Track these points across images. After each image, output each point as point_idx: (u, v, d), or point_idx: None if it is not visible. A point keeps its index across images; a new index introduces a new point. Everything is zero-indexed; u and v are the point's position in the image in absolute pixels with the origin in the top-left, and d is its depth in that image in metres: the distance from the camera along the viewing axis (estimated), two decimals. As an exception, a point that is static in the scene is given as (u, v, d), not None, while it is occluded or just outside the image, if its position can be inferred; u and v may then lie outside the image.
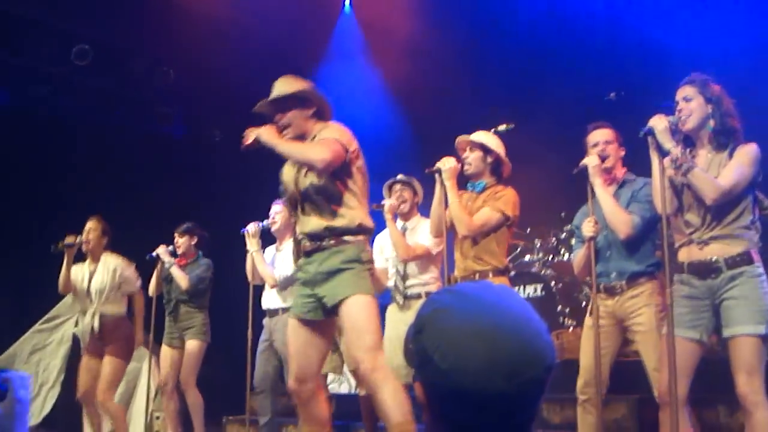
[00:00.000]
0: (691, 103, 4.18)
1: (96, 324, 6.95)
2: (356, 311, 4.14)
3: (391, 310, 6.12)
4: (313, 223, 4.28)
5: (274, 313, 6.75)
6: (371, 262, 4.32)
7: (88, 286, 7.05)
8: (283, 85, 4.44)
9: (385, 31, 9.17)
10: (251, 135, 4.37)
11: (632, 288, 4.63)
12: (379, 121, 8.94)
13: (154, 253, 7.31)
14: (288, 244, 6.79)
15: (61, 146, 9.03)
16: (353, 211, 4.26)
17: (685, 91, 4.21)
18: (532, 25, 8.77)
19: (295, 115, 4.38)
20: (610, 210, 4.64)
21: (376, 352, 4.10)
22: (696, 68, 4.34)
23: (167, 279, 7.31)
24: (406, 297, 6.01)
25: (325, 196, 4.26)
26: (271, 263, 6.80)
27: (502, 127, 5.48)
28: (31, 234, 8.56)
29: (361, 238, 4.29)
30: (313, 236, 4.28)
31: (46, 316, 8.81)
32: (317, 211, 4.28)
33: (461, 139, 5.35)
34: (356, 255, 4.22)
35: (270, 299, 6.81)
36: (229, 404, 7.72)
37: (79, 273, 7.14)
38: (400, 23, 9.12)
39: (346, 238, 4.23)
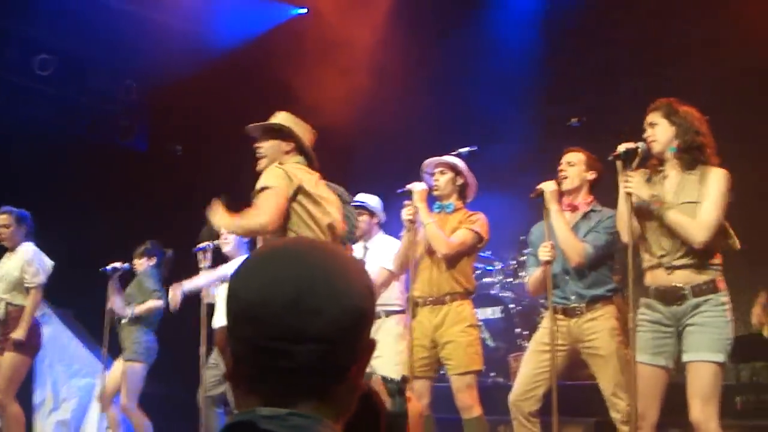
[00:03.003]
0: (656, 128, 4.23)
1: (1, 311, 6.72)
2: None
3: None
4: None
5: None
6: None
7: None
8: (275, 118, 4.62)
9: (345, 42, 9.22)
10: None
11: (591, 311, 4.70)
12: (343, 136, 8.93)
13: (108, 267, 7.25)
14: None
15: (19, 156, 8.91)
16: None
17: (650, 118, 4.26)
18: (491, 48, 8.87)
19: (273, 146, 4.55)
20: (563, 237, 4.70)
21: None
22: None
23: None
24: None
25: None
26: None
27: (464, 150, 5.51)
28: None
29: None
30: None
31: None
32: None
33: (431, 160, 5.38)
34: None
35: (218, 318, 6.79)
36: (185, 422, 7.63)
37: None
38: (359, 36, 9.19)
39: None
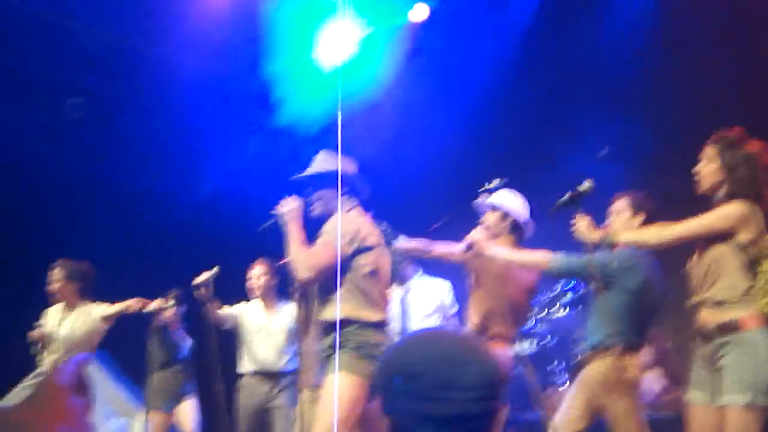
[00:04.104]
0: (706, 167, 4.04)
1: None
2: (328, 389, 4.16)
3: None
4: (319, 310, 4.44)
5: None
6: (359, 348, 4.24)
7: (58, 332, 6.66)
8: (320, 162, 4.58)
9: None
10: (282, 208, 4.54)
11: (593, 360, 4.56)
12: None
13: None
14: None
15: (51, 201, 8.94)
16: (343, 304, 4.25)
17: (706, 151, 4.07)
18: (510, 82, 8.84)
19: (325, 192, 4.52)
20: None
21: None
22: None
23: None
24: None
25: (319, 288, 4.42)
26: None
27: (494, 183, 5.41)
28: (15, 288, 8.39)
29: (350, 328, 4.24)
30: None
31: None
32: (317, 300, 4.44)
33: (479, 201, 5.31)
34: (345, 340, 4.20)
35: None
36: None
37: (51, 317, 6.78)
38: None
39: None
